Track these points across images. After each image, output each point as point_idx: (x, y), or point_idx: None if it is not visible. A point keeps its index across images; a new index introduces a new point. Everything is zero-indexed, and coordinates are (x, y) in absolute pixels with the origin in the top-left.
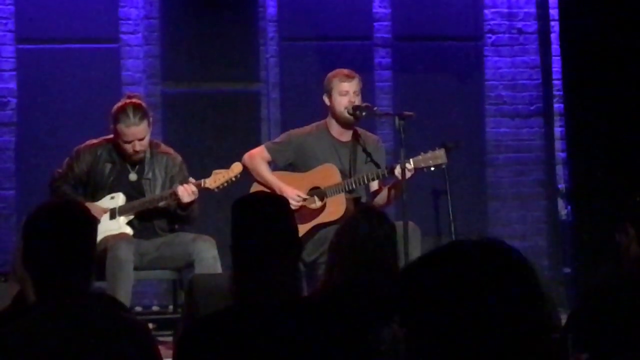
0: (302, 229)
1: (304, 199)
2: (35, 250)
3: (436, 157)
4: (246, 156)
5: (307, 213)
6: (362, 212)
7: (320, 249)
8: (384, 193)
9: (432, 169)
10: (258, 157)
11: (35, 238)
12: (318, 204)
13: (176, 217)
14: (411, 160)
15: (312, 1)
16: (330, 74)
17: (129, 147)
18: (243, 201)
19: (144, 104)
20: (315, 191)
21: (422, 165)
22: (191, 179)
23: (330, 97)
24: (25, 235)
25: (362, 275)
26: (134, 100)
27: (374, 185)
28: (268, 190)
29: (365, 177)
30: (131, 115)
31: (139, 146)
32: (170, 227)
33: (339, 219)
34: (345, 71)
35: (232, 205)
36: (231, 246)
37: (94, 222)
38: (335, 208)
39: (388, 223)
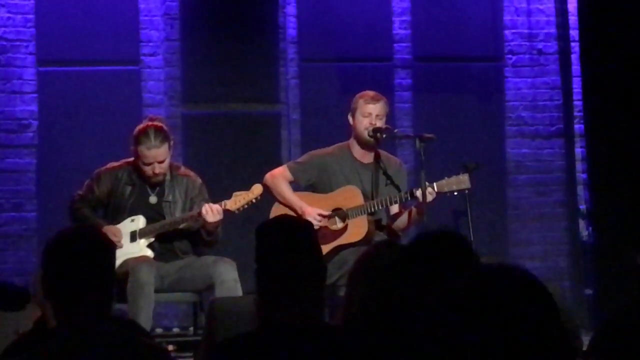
0: (323, 249)
1: (327, 217)
2: (54, 276)
3: (460, 182)
4: (268, 176)
5: (329, 234)
6: (380, 244)
7: (341, 271)
8: (405, 217)
9: (455, 193)
10: (280, 177)
11: (54, 264)
12: (340, 225)
13: (200, 241)
14: (435, 184)
15: (332, 22)
16: (357, 95)
17: (148, 170)
18: (267, 225)
19: (165, 127)
20: (337, 212)
21: (446, 189)
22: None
23: (353, 117)
24: (44, 261)
25: (380, 308)
26: (155, 122)
27: (395, 208)
28: (290, 212)
29: (387, 200)
30: (152, 137)
31: (158, 169)
32: (192, 250)
33: (360, 240)
34: (371, 93)
35: (256, 230)
36: (255, 270)
37: (112, 247)
38: (357, 230)
39: (406, 255)
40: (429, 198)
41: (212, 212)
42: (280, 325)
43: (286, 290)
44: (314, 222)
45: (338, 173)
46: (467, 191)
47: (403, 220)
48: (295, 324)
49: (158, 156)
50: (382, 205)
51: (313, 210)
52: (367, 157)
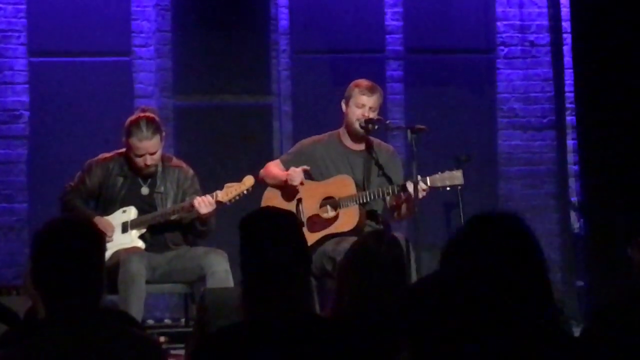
0: (313, 237)
1: (308, 171)
2: (44, 267)
3: (453, 177)
4: (262, 170)
5: (320, 222)
6: (371, 235)
7: (332, 263)
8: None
9: (448, 188)
10: (272, 166)
11: (43, 255)
12: (331, 213)
13: (194, 231)
14: (427, 178)
15: (324, 14)
16: (353, 82)
17: (140, 161)
18: (251, 217)
19: (157, 118)
20: (328, 201)
21: (438, 184)
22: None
23: (347, 105)
24: (33, 252)
25: (371, 299)
26: (147, 114)
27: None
28: (280, 202)
29: (379, 192)
30: (144, 129)
31: (150, 160)
32: (184, 241)
33: (350, 230)
34: (368, 84)
35: (239, 222)
36: (240, 263)
37: (101, 237)
38: (348, 219)
39: (398, 246)
40: (422, 194)
41: (204, 204)
42: (268, 317)
43: (271, 281)
44: (298, 178)
45: (328, 160)
46: (459, 187)
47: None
48: (282, 316)
49: (150, 148)
50: (374, 197)
51: (295, 169)
52: (358, 145)
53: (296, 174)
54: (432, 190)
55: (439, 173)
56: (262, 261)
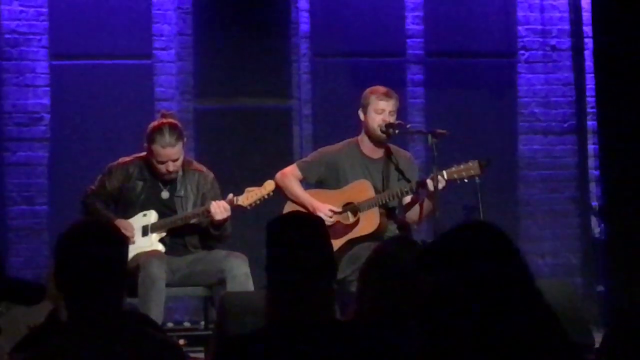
0: (336, 244)
1: (338, 213)
2: (67, 269)
3: (469, 168)
4: (278, 175)
5: (341, 228)
6: (391, 240)
7: (352, 267)
8: (417, 208)
9: (465, 180)
10: (290, 176)
11: (67, 257)
12: (351, 219)
13: (209, 235)
14: (444, 172)
15: (344, 18)
16: (368, 90)
17: (162, 167)
18: (278, 221)
19: (179, 125)
20: (348, 207)
21: (455, 177)
22: (230, 195)
23: (365, 112)
24: (57, 254)
25: (392, 305)
26: (170, 120)
27: (407, 199)
28: (302, 209)
29: (398, 192)
30: (167, 135)
31: (172, 167)
32: (203, 244)
33: (372, 232)
34: (384, 89)
35: (266, 225)
36: (266, 266)
37: (124, 240)
38: (369, 222)
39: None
40: (439, 186)
41: (220, 210)
42: (291, 321)
43: (296, 286)
44: (326, 219)
45: (347, 169)
46: (477, 178)
47: (415, 211)
48: (305, 320)
49: (172, 155)
50: (392, 198)
51: (324, 206)
52: (377, 153)
53: (329, 215)
54: (450, 183)
55: (455, 165)
56: (288, 265)
